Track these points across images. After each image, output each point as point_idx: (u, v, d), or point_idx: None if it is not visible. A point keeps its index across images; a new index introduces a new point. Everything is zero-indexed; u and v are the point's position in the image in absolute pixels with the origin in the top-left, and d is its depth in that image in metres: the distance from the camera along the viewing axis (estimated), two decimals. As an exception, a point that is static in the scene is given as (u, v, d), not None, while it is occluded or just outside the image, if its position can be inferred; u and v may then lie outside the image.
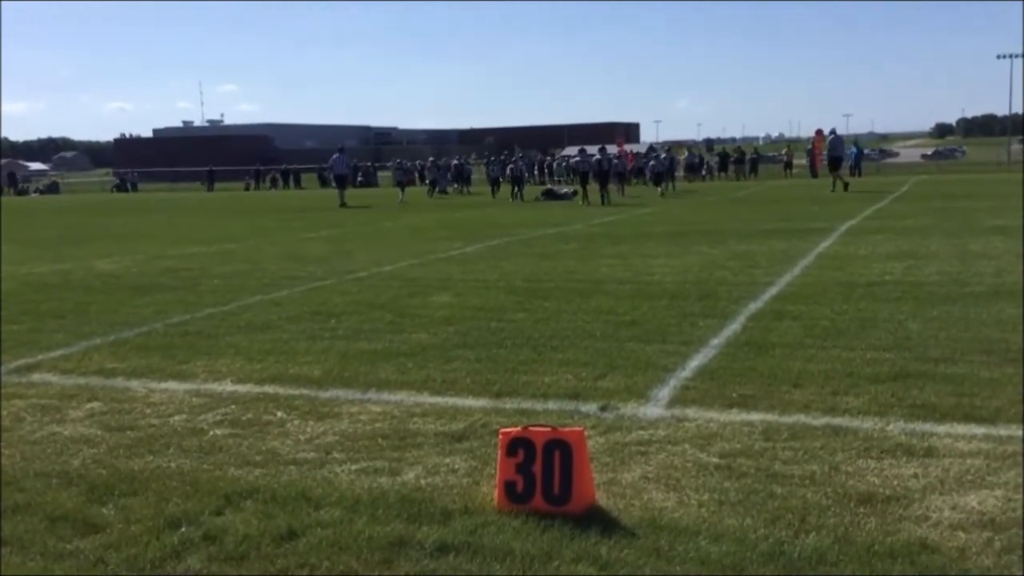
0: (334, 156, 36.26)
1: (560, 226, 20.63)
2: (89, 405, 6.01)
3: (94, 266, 14.52)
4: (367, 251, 15.91)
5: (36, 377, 6.81)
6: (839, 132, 36.18)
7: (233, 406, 5.89)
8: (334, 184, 36.83)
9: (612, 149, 47.30)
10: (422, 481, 4.44)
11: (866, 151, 68.60)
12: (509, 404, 5.75)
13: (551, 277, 11.62)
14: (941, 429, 4.99)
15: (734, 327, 7.87)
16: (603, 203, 29.72)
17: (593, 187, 31.56)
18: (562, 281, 11.19)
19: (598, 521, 3.86)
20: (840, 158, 35.12)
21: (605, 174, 32.02)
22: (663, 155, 43.52)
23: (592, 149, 33.99)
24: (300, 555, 3.64)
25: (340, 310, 9.35)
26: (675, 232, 18.10)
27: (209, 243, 18.63)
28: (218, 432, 5.36)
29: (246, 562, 3.61)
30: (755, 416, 5.34)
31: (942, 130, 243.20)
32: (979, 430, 4.95)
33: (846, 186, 32.61)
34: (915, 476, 4.32)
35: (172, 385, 6.50)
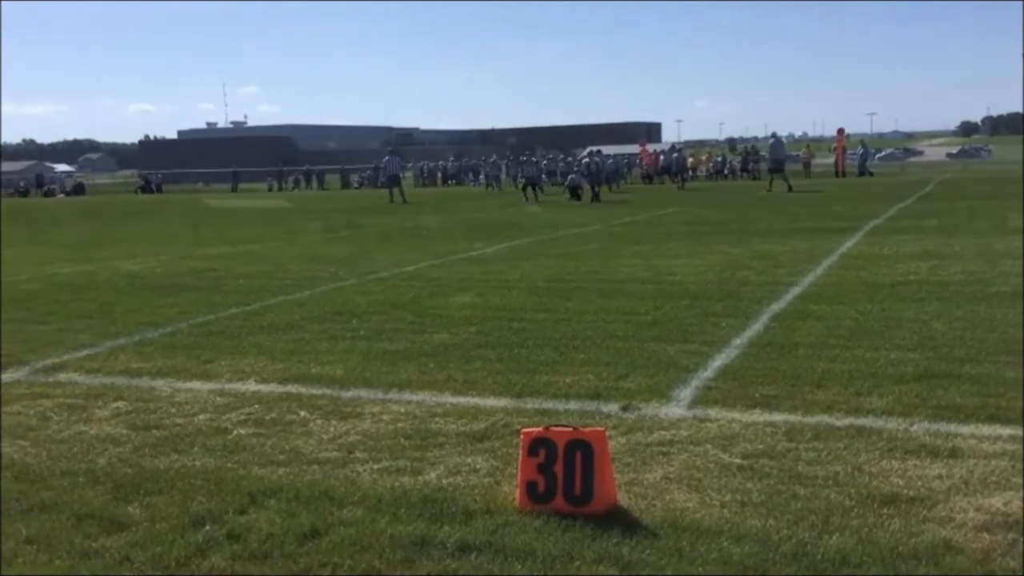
0: (386, 158, 39.07)
1: (581, 227, 20.61)
2: (115, 404, 6.07)
3: (119, 267, 14.65)
4: (388, 251, 15.96)
5: (63, 376, 6.88)
6: (864, 131, 36.83)
7: (257, 405, 5.93)
8: (384, 184, 39.42)
9: (626, 149, 47.75)
10: (444, 481, 4.46)
11: (889, 151, 67.83)
12: (530, 404, 5.76)
13: (572, 277, 11.61)
14: (966, 430, 4.95)
15: (756, 327, 7.84)
16: (593, 201, 32.36)
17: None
18: (583, 281, 11.19)
19: (619, 522, 3.86)
20: (782, 161, 36.60)
21: (596, 175, 34.99)
22: (675, 154, 45.41)
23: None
24: (323, 554, 3.67)
25: (362, 310, 9.39)
26: (696, 232, 18.05)
27: (233, 244, 18.74)
28: (242, 431, 5.40)
29: (269, 561, 3.64)
30: (778, 416, 5.32)
31: (967, 128, 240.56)
32: (1004, 431, 4.91)
33: (789, 188, 33.90)
34: (939, 477, 4.29)
35: (196, 385, 6.55)
